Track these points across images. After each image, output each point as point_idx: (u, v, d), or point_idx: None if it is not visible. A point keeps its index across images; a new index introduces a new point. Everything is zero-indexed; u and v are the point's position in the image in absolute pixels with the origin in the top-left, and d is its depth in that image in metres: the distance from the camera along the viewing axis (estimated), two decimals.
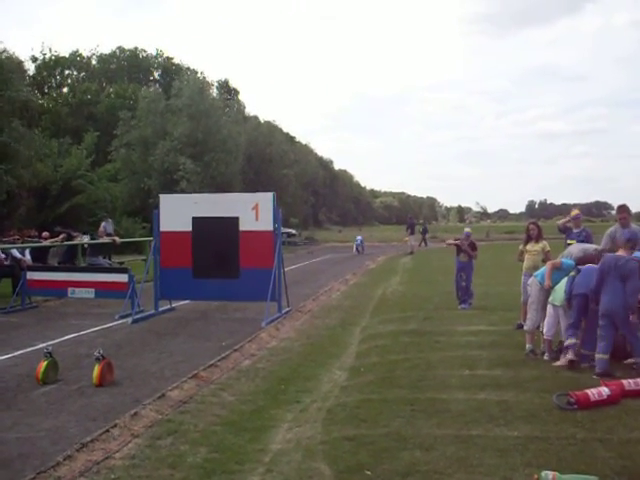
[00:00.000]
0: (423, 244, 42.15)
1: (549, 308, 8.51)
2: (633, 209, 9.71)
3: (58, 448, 5.53)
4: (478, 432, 5.61)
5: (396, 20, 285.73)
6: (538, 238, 10.55)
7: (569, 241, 10.26)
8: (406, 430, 5.70)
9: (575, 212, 10.76)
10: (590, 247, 9.14)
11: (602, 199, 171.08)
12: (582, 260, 8.56)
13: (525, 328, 9.05)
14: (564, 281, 8.46)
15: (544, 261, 9.89)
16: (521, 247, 10.95)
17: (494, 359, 8.38)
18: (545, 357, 8.44)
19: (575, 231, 10.42)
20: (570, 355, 7.83)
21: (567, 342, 7.95)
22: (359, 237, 39.54)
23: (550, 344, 8.50)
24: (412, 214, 53.87)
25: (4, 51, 26.23)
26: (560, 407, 6.21)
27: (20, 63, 28.51)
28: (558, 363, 8.06)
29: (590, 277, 7.96)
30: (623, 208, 9.33)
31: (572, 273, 8.30)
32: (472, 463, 4.93)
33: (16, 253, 15.62)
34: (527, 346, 8.67)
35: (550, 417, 5.99)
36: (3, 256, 15.52)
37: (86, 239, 17.68)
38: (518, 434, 5.53)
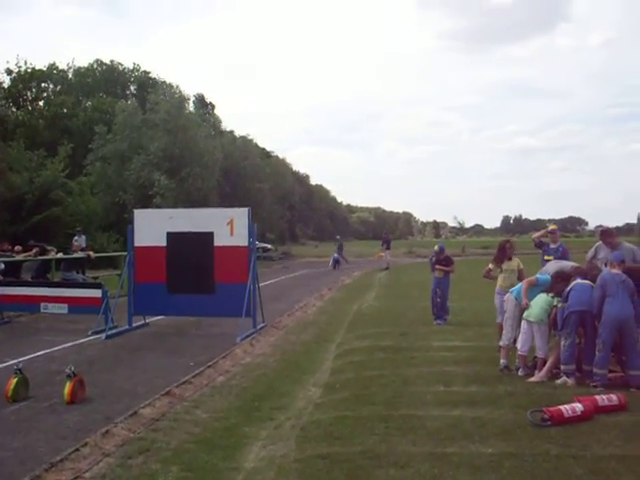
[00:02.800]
0: (344, 261, 40.11)
1: (523, 324, 8.54)
2: (608, 224, 9.72)
3: (26, 468, 5.41)
4: (453, 449, 5.61)
5: (371, 36, 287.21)
6: (511, 256, 10.49)
7: (546, 257, 10.32)
8: (381, 448, 5.67)
9: (552, 227, 10.83)
10: (567, 265, 9.11)
11: (576, 214, 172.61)
12: (559, 277, 8.56)
13: (500, 344, 9.07)
14: (539, 297, 8.52)
15: (519, 279, 9.83)
16: (491, 265, 10.51)
17: (469, 375, 8.39)
18: (519, 373, 8.46)
19: (552, 247, 10.49)
20: (572, 381, 7.77)
21: (565, 367, 7.86)
22: (335, 255, 39.40)
23: (524, 360, 8.53)
24: (387, 230, 54.05)
25: None
26: (534, 423, 6.23)
27: None
28: (533, 379, 8.10)
29: (585, 293, 7.93)
30: (607, 233, 9.14)
31: (560, 305, 8.16)
32: None
33: None
34: (501, 361, 8.70)
35: (524, 433, 6.00)
36: None
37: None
38: (493, 451, 5.53)
